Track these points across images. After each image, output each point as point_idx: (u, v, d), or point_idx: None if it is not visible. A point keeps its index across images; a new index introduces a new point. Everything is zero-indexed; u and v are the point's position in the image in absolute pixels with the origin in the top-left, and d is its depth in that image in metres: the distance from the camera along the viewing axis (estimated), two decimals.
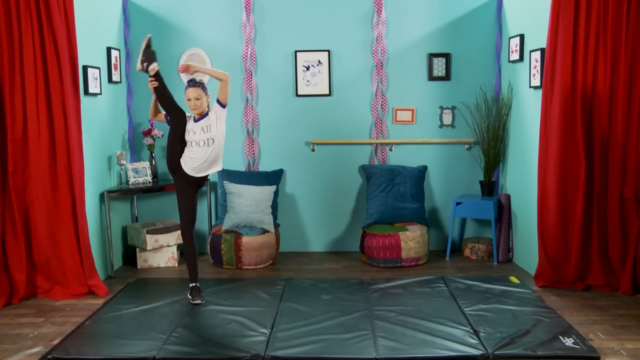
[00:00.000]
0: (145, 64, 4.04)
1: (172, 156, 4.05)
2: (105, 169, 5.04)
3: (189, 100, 3.99)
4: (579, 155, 4.31)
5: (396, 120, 5.54)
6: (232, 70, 5.48)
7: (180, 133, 4.02)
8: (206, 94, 4.04)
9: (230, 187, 5.28)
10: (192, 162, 4.01)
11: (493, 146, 5.31)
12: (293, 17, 5.44)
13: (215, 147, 4.02)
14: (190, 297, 4.16)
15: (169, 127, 4.10)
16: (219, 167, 4.13)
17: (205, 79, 5.21)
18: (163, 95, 4.02)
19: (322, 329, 3.63)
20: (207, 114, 4.03)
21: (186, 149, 4.03)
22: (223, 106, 4.06)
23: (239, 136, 5.57)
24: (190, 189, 4.11)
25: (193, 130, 4.00)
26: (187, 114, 4.10)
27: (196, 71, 4.19)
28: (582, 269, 4.40)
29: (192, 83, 4.01)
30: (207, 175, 4.16)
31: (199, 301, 4.11)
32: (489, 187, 5.39)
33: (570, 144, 4.30)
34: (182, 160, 4.02)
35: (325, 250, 5.68)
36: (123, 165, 5.19)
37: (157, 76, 4.03)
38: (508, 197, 5.25)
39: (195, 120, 4.03)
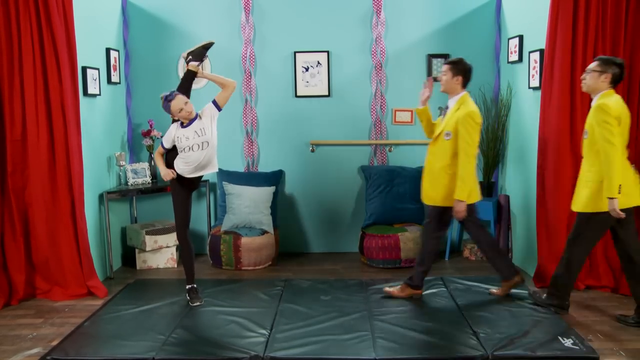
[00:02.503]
0: (189, 57, 4.11)
1: (168, 158, 4.07)
2: (105, 170, 5.04)
3: (181, 110, 3.86)
4: (578, 156, 4.31)
5: (395, 121, 5.54)
6: (232, 71, 5.48)
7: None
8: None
9: (230, 187, 5.28)
10: (184, 167, 3.97)
11: (492, 147, 5.31)
12: (292, 18, 5.45)
13: (209, 150, 3.96)
14: (188, 298, 4.16)
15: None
16: (214, 169, 4.10)
17: (203, 83, 5.23)
18: (182, 87, 4.08)
19: (321, 329, 3.63)
20: (196, 117, 3.97)
21: (179, 157, 3.97)
22: (219, 109, 4.03)
23: (238, 137, 5.57)
24: (183, 190, 4.09)
25: (185, 136, 3.92)
26: (175, 127, 4.00)
27: (206, 78, 4.17)
28: (581, 269, 4.39)
29: (173, 95, 3.90)
30: (201, 177, 4.14)
31: (197, 303, 4.11)
32: (488, 187, 5.38)
33: (569, 144, 4.30)
34: (174, 164, 4.00)
35: (325, 251, 5.68)
36: (122, 166, 5.18)
37: (190, 74, 4.10)
38: (507, 197, 5.25)
39: (185, 126, 3.95)
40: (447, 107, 4.02)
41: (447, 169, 3.93)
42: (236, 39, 5.47)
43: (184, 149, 3.93)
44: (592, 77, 3.60)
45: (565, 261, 3.83)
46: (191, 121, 3.95)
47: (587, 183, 3.63)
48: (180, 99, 3.89)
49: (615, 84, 3.60)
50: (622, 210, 3.48)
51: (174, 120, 4.04)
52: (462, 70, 3.93)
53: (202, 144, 3.93)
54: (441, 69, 3.97)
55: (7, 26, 4.14)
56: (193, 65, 4.08)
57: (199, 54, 4.11)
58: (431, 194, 4.03)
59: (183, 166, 3.98)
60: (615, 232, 3.73)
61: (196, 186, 4.18)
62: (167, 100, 3.89)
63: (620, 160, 3.51)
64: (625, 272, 3.81)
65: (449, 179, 3.92)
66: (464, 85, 3.95)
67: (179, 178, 4.03)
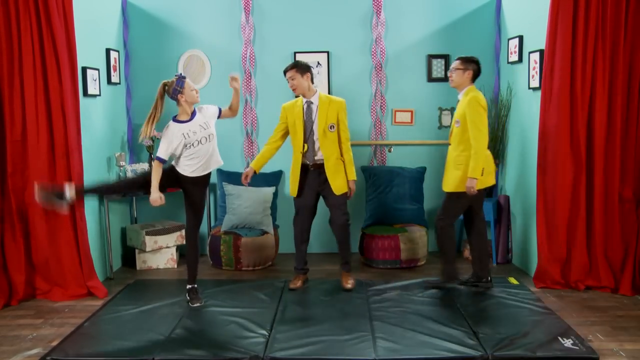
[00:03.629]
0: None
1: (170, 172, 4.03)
2: (105, 170, 5.04)
3: (193, 90, 3.94)
4: (578, 157, 4.32)
5: (395, 122, 5.54)
6: (231, 71, 5.47)
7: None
8: None
9: (230, 188, 5.28)
10: (195, 164, 3.95)
11: (492, 147, 5.30)
12: (292, 18, 5.45)
13: (214, 142, 4.02)
14: (188, 298, 4.15)
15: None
16: (220, 162, 4.10)
17: (204, 82, 5.22)
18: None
19: (321, 330, 3.63)
20: (195, 112, 4.00)
21: (184, 157, 3.94)
22: (218, 117, 4.13)
23: (238, 137, 5.57)
24: (194, 191, 4.06)
25: (192, 131, 3.93)
26: (176, 126, 3.93)
27: (236, 88, 4.19)
28: (581, 269, 4.40)
29: (184, 76, 3.95)
30: (209, 174, 4.11)
31: (197, 304, 4.11)
32: (488, 188, 5.37)
33: (569, 145, 4.31)
34: (179, 168, 3.97)
35: (324, 252, 5.67)
36: (122, 166, 5.18)
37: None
38: (507, 198, 5.25)
39: (186, 121, 3.93)
40: (310, 103, 4.30)
41: (339, 157, 4.34)
42: (236, 39, 5.47)
43: (192, 143, 3.92)
44: (458, 75, 4.15)
45: (442, 238, 4.30)
46: (192, 116, 3.98)
47: (459, 166, 4.12)
48: (191, 82, 3.97)
49: (474, 79, 4.17)
50: (479, 189, 4.10)
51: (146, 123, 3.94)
52: (307, 67, 4.28)
53: (208, 137, 3.97)
54: (286, 76, 4.31)
55: (7, 27, 4.14)
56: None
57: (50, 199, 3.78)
58: (341, 183, 4.33)
59: (193, 164, 3.96)
60: (471, 207, 4.29)
61: (206, 184, 4.13)
62: (183, 77, 3.92)
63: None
64: (469, 238, 4.43)
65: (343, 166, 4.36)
66: (313, 81, 4.37)
67: (188, 180, 4.00)
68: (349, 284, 4.44)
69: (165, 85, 3.93)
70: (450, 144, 4.26)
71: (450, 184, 4.20)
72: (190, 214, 4.13)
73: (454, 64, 4.18)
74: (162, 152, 3.91)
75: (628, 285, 4.26)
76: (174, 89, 3.90)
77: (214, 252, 5.10)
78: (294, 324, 3.73)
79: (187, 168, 3.98)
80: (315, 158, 4.32)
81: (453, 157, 4.18)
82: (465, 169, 4.07)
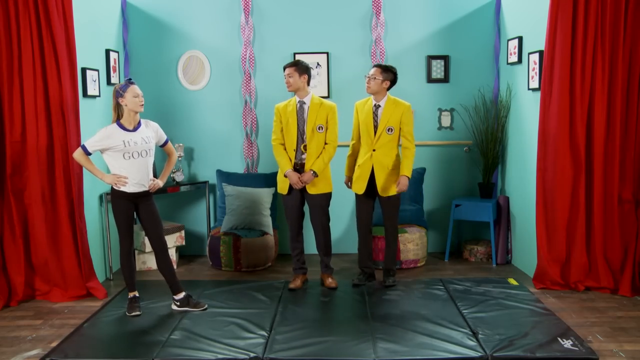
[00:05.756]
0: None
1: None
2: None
3: (137, 95, 3.76)
4: (577, 158, 4.32)
5: None
6: (231, 72, 5.49)
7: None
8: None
9: (229, 189, 5.28)
10: (134, 177, 3.80)
11: (492, 148, 5.31)
12: (292, 19, 5.45)
13: (150, 159, 3.87)
14: (188, 304, 4.10)
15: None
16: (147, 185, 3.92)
17: (203, 84, 5.20)
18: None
19: (320, 331, 3.63)
20: (140, 123, 3.88)
21: (122, 164, 3.77)
22: (161, 145, 4.06)
23: (237, 138, 5.57)
24: (130, 208, 3.87)
25: (134, 141, 3.78)
26: (117, 130, 3.79)
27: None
28: (581, 270, 4.40)
29: (133, 82, 3.81)
30: (150, 194, 3.94)
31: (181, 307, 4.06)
32: (488, 189, 5.39)
33: (568, 146, 4.31)
34: (117, 187, 3.81)
35: None
36: None
37: None
38: (507, 199, 5.25)
39: (129, 130, 3.80)
40: (303, 103, 4.36)
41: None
42: (236, 40, 5.47)
43: (132, 153, 3.77)
44: (376, 84, 4.31)
45: (395, 235, 4.55)
46: (137, 127, 3.85)
47: (395, 170, 4.36)
48: (136, 86, 3.80)
49: (390, 88, 4.38)
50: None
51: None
52: (306, 69, 4.33)
53: (149, 151, 3.86)
54: (285, 72, 4.32)
55: (7, 27, 4.14)
56: None
57: None
58: (318, 184, 4.43)
59: (130, 178, 3.80)
60: (373, 205, 4.57)
61: (150, 199, 3.96)
62: (131, 82, 3.77)
63: None
64: (367, 237, 4.60)
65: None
66: (309, 83, 4.39)
67: (126, 196, 3.84)
68: (333, 283, 4.54)
69: (115, 90, 3.81)
70: (374, 150, 4.34)
71: (392, 188, 4.37)
72: (128, 236, 3.92)
73: (373, 71, 4.31)
74: (91, 143, 3.77)
75: (627, 286, 4.26)
76: (117, 91, 3.75)
77: (214, 253, 5.10)
78: (294, 324, 3.73)
79: (128, 184, 3.81)
80: (302, 157, 4.38)
81: (389, 163, 4.35)
82: (397, 171, 4.36)
